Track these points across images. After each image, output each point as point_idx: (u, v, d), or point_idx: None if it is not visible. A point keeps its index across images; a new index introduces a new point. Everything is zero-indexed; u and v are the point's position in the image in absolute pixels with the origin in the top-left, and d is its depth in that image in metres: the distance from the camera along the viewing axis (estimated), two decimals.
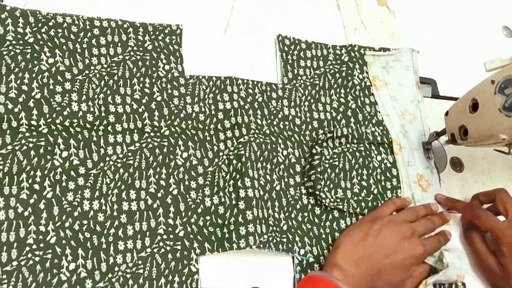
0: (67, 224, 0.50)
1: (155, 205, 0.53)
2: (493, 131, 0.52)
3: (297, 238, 0.56)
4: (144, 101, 0.57)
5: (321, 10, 0.73)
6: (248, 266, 0.54)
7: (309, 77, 0.66)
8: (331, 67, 0.67)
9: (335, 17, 0.73)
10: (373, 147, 0.64)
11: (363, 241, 0.53)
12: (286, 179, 0.59)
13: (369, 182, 0.62)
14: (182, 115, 0.58)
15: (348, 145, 0.63)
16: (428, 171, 0.64)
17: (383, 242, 0.53)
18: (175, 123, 0.57)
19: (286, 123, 0.62)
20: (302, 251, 0.56)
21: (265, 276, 0.54)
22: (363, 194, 0.61)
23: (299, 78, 0.65)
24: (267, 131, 0.60)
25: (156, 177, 0.54)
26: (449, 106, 0.60)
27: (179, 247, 0.52)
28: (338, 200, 0.59)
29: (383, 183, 0.62)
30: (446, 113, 0.60)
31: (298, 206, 0.58)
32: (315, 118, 0.63)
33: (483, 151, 0.69)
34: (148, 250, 0.51)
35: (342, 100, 0.66)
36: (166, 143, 0.56)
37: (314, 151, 0.60)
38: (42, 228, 0.49)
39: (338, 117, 0.64)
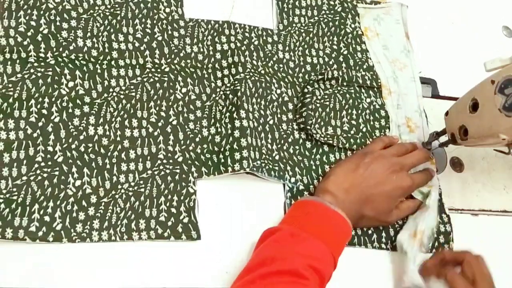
0: (73, 146, 0.54)
1: (155, 133, 0.57)
2: (493, 131, 0.52)
3: (288, 168, 0.60)
4: (145, 40, 0.61)
5: None
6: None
7: (303, 25, 0.69)
8: (324, 16, 0.70)
9: None
10: (363, 90, 0.67)
11: (354, 172, 0.56)
12: (279, 115, 0.62)
13: (358, 121, 0.65)
14: (181, 54, 0.62)
15: (339, 88, 0.66)
16: (416, 114, 0.67)
17: (372, 174, 0.56)
18: (175, 61, 0.61)
19: (280, 65, 0.65)
20: (293, 179, 0.59)
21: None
22: (352, 132, 0.64)
23: (294, 25, 0.68)
24: (262, 71, 0.63)
25: (157, 108, 0.58)
26: (449, 106, 0.60)
27: (178, 171, 0.56)
28: (328, 136, 0.63)
29: (371, 122, 0.66)
30: (446, 113, 0.60)
31: (290, 140, 0.62)
32: (308, 62, 0.67)
33: (483, 151, 0.69)
34: (149, 172, 0.55)
35: (335, 47, 0.69)
36: (166, 79, 0.60)
37: (306, 90, 0.64)
38: (50, 148, 0.53)
39: (330, 62, 0.68)
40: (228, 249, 0.55)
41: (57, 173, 0.52)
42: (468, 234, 0.63)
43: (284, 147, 0.61)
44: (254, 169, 0.57)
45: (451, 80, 0.73)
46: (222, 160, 0.57)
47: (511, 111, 0.51)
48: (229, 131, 0.58)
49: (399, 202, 0.59)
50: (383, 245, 0.60)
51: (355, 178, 0.56)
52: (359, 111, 0.65)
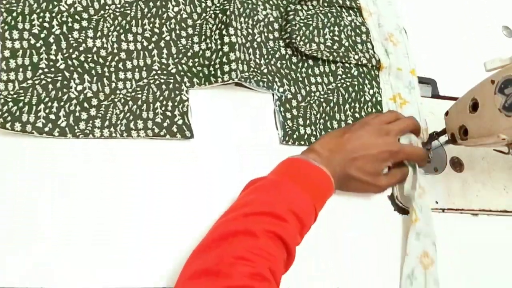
0: (73, 56, 0.58)
1: (150, 47, 0.61)
2: (493, 131, 0.52)
3: (276, 79, 0.64)
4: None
5: None
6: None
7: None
8: None
9: None
10: (343, 10, 0.72)
11: (341, 136, 0.58)
12: (265, 34, 0.66)
13: (341, 37, 0.70)
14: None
15: (321, 8, 0.70)
16: (397, 32, 0.71)
17: (359, 137, 0.58)
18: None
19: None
20: (281, 89, 0.64)
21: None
22: (335, 47, 0.69)
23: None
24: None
25: (151, 25, 0.62)
26: (449, 106, 0.60)
27: (171, 81, 0.60)
28: (313, 50, 0.66)
29: (353, 38, 0.70)
30: (446, 113, 0.60)
31: (277, 56, 0.65)
32: None
33: (483, 151, 0.69)
34: (145, 80, 0.59)
35: None
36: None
37: (288, 8, 0.67)
38: (52, 57, 0.57)
39: None
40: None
41: (60, 78, 0.56)
42: (468, 234, 0.63)
43: (272, 62, 0.65)
44: (243, 79, 0.61)
45: (451, 80, 0.73)
46: (213, 72, 0.61)
47: (511, 111, 0.51)
48: (219, 46, 0.62)
49: (391, 168, 0.60)
50: None
51: (341, 140, 0.57)
52: (341, 28, 0.70)
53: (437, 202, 0.63)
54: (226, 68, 0.60)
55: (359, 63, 0.68)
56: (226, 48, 0.61)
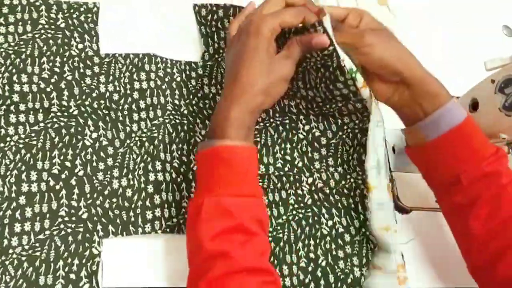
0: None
1: (57, 187, 0.52)
2: (493, 131, 0.53)
3: None
4: (53, 80, 0.55)
5: None
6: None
7: None
8: None
9: None
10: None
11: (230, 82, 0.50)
12: None
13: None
14: (94, 94, 0.56)
15: (271, 120, 0.59)
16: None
17: (228, 63, 0.52)
18: (86, 102, 0.55)
19: (206, 101, 0.59)
20: None
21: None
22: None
23: (221, 51, 0.62)
24: (185, 111, 0.58)
25: (61, 158, 0.53)
26: None
27: (81, 229, 0.51)
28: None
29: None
30: None
31: None
32: None
33: None
34: (47, 232, 0.50)
35: None
36: (74, 123, 0.54)
37: None
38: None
39: None
40: None
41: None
42: None
43: None
44: (168, 230, 0.52)
45: (451, 79, 0.73)
46: (132, 219, 0.52)
47: (511, 111, 0.51)
48: (142, 185, 0.53)
49: (285, 50, 0.50)
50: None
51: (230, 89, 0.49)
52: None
53: (437, 202, 0.63)
54: (149, 215, 0.52)
55: None
56: (150, 189, 0.53)
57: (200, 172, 0.48)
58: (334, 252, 0.55)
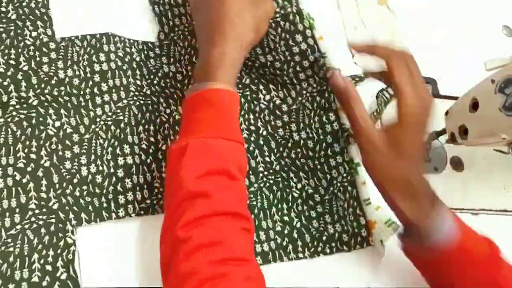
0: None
1: (24, 180, 0.50)
2: (494, 131, 0.52)
3: None
4: (9, 73, 0.53)
5: (321, 9, 0.73)
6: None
7: (186, 25, 0.60)
8: None
9: (335, 16, 0.73)
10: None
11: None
12: (172, 137, 0.55)
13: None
14: (53, 81, 0.54)
15: None
16: None
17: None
18: (46, 91, 0.53)
19: (167, 80, 0.58)
20: None
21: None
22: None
23: (176, 29, 0.60)
24: (148, 92, 0.56)
25: (25, 150, 0.51)
26: (449, 105, 0.60)
27: (53, 220, 0.50)
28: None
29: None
30: (446, 113, 0.60)
31: None
32: None
33: (483, 151, 0.69)
34: (18, 227, 0.49)
35: None
36: (34, 114, 0.52)
37: None
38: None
39: None
40: None
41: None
42: None
43: None
44: (142, 212, 0.52)
45: (451, 79, 0.73)
46: (105, 205, 0.51)
47: (511, 111, 0.51)
48: (112, 170, 0.52)
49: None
50: (300, 254, 0.55)
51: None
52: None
53: None
54: (122, 199, 0.52)
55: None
56: (120, 173, 0.52)
57: (186, 117, 0.48)
58: (306, 213, 0.57)
